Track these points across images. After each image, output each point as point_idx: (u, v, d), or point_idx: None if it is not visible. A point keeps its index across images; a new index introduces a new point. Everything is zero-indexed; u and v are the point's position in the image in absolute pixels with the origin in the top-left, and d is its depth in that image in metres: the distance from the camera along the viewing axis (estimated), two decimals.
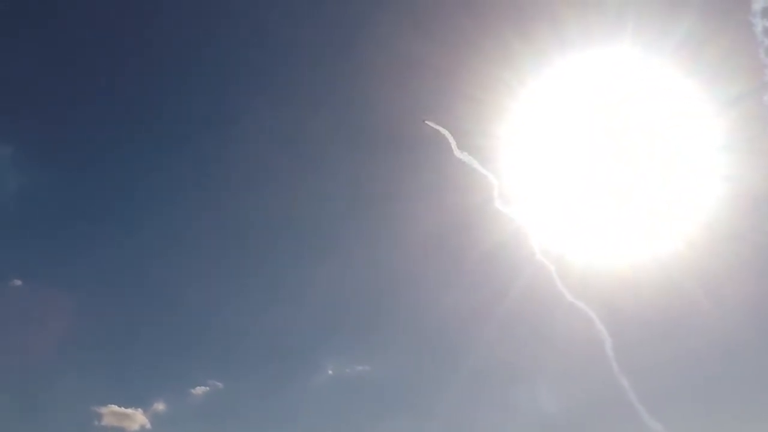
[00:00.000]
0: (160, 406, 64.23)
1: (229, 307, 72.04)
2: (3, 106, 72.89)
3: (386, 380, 66.01)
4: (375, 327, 67.50)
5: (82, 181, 74.81)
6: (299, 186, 70.47)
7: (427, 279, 66.41)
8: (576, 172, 57.95)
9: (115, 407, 61.31)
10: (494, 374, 60.38)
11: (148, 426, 61.76)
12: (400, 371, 66.03)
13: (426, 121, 44.99)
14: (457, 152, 50.45)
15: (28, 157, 73.51)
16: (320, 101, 62.90)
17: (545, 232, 55.58)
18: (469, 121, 51.85)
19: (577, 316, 52.21)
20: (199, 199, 73.95)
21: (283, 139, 69.20)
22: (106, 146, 75.21)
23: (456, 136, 50.29)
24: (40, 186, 73.02)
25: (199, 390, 66.26)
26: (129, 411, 61.40)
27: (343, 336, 70.15)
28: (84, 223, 74.30)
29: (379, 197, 68.96)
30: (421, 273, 66.26)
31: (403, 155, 58.45)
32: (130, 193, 76.13)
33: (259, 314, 71.18)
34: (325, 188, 70.18)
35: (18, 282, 67.99)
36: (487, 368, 59.26)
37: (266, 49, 69.74)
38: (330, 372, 69.03)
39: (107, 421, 60.68)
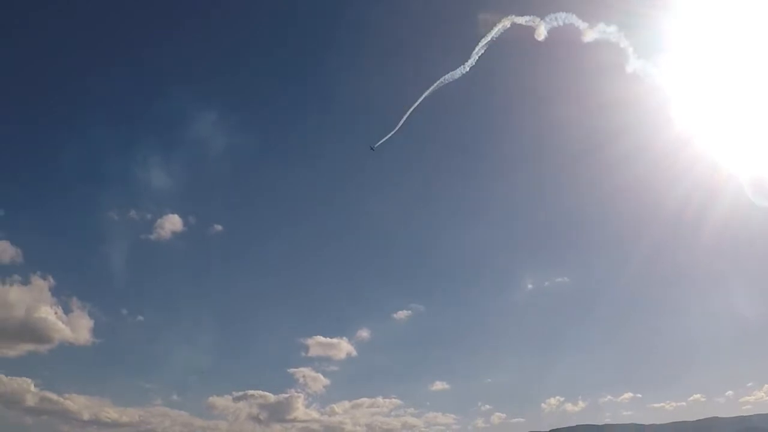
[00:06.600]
0: (364, 334, 70.46)
1: (428, 231, 77.62)
2: (209, 79, 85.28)
3: (585, 290, 67.98)
4: (572, 240, 69.68)
5: (277, 137, 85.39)
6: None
7: (621, 190, 67.09)
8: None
9: (320, 338, 68.28)
10: (691, 280, 59.96)
11: (354, 353, 68.02)
12: (598, 281, 67.56)
13: (372, 148, 48.27)
14: (633, 65, 50.34)
15: (229, 120, 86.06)
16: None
17: (728, 138, 54.09)
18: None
19: None
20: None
21: None
22: (298, 107, 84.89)
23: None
24: (240, 144, 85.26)
25: (402, 314, 71.38)
26: (334, 340, 68.10)
27: (540, 250, 73.08)
28: (280, 165, 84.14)
29: (574, 118, 70.16)
30: (615, 185, 67.17)
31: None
32: (325, 138, 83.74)
33: (458, 235, 75.94)
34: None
35: (219, 227, 78.13)
36: (683, 274, 59.04)
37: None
38: (530, 286, 71.71)
39: (314, 351, 67.77)
